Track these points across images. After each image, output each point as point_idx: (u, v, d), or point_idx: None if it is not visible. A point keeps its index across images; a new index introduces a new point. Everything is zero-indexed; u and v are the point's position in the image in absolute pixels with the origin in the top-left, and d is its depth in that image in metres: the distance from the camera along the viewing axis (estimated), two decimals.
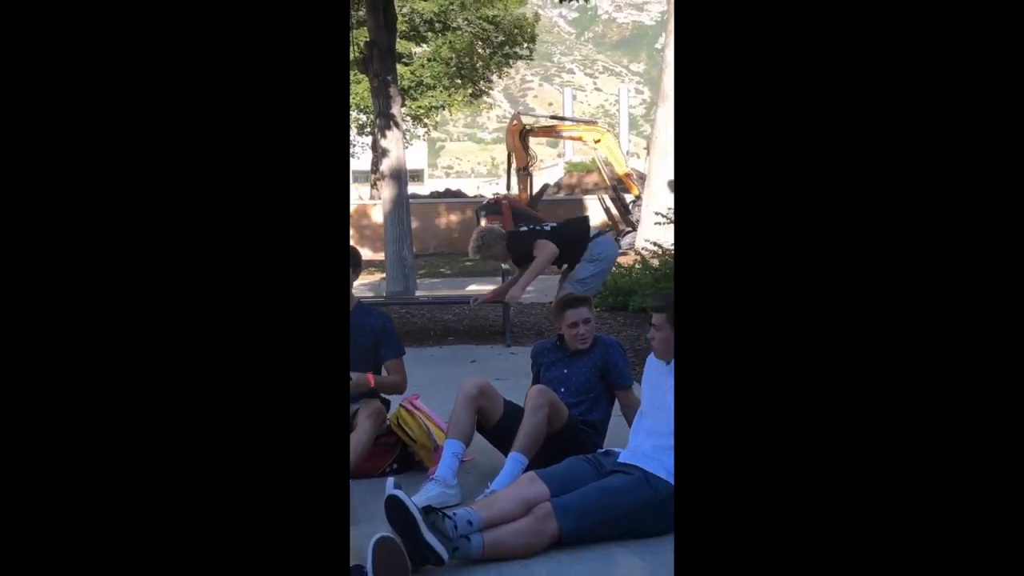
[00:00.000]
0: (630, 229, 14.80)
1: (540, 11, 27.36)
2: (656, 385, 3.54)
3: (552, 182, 21.98)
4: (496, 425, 3.80)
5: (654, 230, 9.91)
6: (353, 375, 3.77)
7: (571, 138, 18.94)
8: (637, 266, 8.77)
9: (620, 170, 17.12)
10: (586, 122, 19.74)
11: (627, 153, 21.21)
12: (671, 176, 10.95)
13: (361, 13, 14.03)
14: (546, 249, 6.32)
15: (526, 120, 17.79)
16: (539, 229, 6.77)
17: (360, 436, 3.73)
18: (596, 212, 17.52)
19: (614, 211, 17.22)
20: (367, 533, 2.68)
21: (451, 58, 21.63)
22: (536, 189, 17.70)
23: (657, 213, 9.73)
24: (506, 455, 3.62)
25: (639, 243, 9.92)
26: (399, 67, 11.59)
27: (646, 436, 3.40)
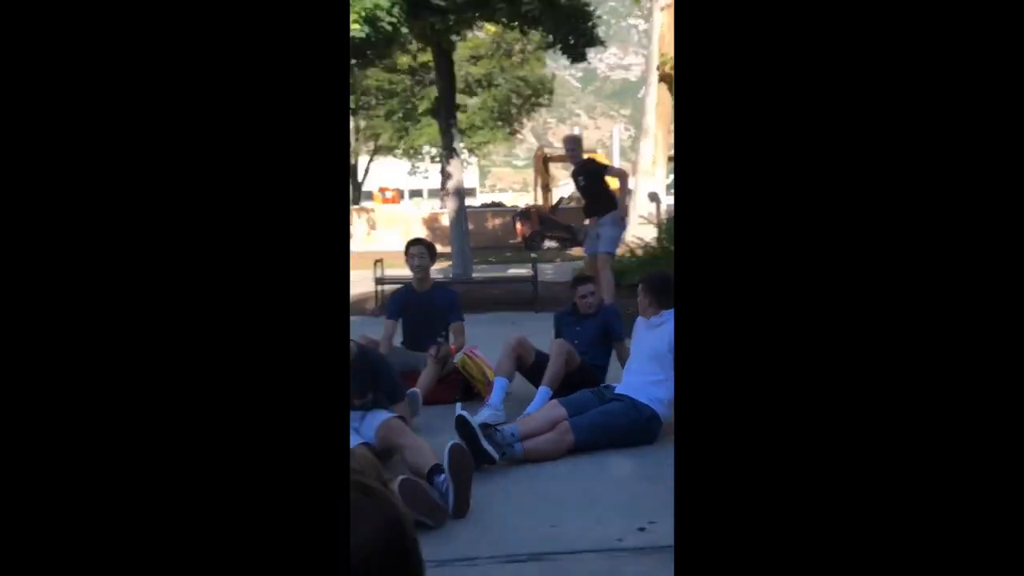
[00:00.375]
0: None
1: (556, 72, 27.11)
2: (641, 338, 3.58)
3: (566, 195, 21.83)
4: (530, 367, 3.86)
5: (639, 229, 9.84)
6: (442, 347, 3.97)
7: None
8: (627, 255, 8.74)
9: (613, 187, 16.96)
10: (589, 151, 19.54)
11: None
12: (649, 190, 10.83)
13: (432, 75, 14.02)
14: (624, 174, 6.32)
15: (548, 151, 17.66)
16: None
17: (427, 375, 3.89)
18: None
19: None
20: (442, 443, 2.76)
21: (494, 107, 21.58)
22: (555, 200, 17.60)
23: (641, 216, 9.65)
24: (537, 388, 3.69)
25: (628, 238, 9.87)
26: (459, 114, 11.63)
27: (634, 375, 3.45)
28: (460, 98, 19.79)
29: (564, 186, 20.79)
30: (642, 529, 2.52)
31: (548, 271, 9.83)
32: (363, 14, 6.79)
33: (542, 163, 17.18)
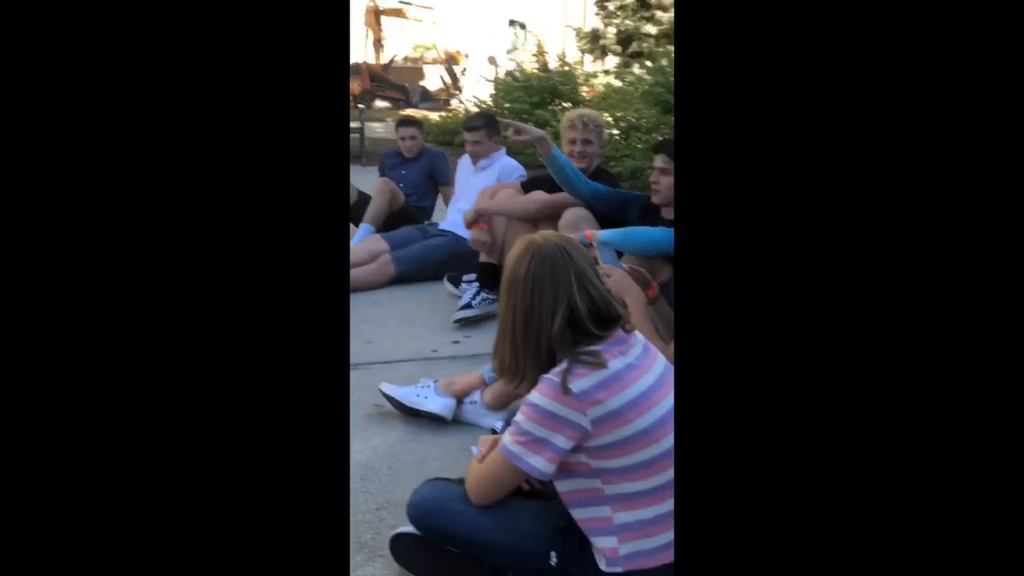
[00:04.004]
0: (458, 93, 14.50)
1: None
2: (465, 179, 3.68)
3: (399, 55, 20.92)
4: (353, 205, 3.86)
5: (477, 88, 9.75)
6: None
7: (417, 20, 17.92)
8: (461, 115, 8.68)
9: (448, 50, 16.49)
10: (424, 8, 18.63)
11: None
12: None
13: None
14: None
15: (379, 3, 16.61)
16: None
17: None
18: (435, 80, 16.90)
19: (447, 79, 16.68)
20: None
21: None
22: (387, 59, 16.82)
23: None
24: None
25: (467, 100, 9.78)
26: None
27: (457, 213, 3.56)
28: None
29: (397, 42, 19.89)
30: (456, 342, 2.71)
31: (378, 129, 9.53)
32: None
33: (374, 16, 16.17)
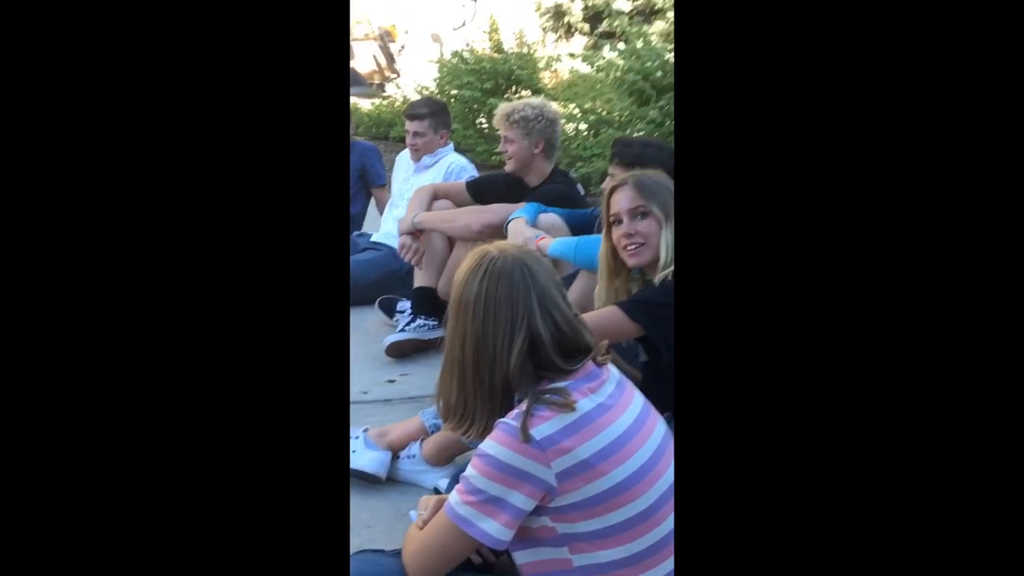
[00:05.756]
0: (395, 76, 14.56)
1: None
2: (404, 180, 3.68)
3: None
4: None
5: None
6: None
7: None
8: (398, 103, 8.73)
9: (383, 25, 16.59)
10: None
11: None
12: None
13: None
14: None
15: None
16: None
17: None
18: (366, 60, 16.97)
19: (381, 59, 16.76)
20: None
21: None
22: None
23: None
24: None
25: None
26: None
27: (394, 221, 3.56)
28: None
29: None
30: (391, 382, 2.70)
31: None
32: None
33: None
